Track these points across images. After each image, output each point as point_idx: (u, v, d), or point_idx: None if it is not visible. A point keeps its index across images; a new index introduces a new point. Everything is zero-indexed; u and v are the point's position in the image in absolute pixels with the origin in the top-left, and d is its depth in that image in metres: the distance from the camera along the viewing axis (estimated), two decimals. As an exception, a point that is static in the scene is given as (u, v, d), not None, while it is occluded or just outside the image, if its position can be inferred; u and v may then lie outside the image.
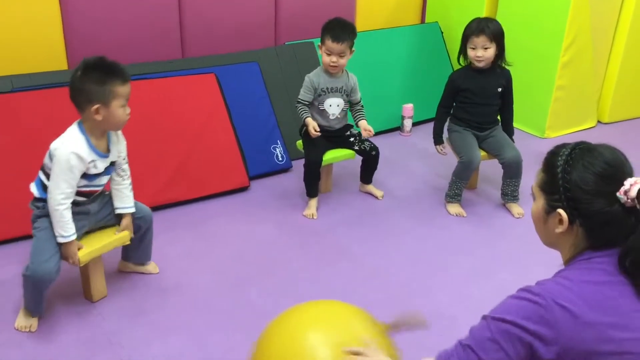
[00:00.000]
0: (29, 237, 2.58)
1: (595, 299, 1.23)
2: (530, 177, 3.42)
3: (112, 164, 2.31)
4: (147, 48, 3.61)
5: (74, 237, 2.18)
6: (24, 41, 3.24)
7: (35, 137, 2.87)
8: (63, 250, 2.19)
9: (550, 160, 1.38)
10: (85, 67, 2.13)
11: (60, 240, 2.16)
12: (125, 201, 2.38)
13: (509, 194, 3.23)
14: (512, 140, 3.27)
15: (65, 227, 2.15)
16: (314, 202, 3.18)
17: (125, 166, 2.38)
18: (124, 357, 2.15)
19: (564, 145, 1.39)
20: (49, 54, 3.32)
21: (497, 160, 3.20)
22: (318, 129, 3.02)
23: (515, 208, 3.23)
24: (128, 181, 2.39)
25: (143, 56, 3.57)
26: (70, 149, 2.12)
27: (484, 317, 1.31)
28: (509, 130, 3.29)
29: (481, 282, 2.65)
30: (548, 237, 1.43)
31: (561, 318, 1.22)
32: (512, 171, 3.17)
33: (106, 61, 2.16)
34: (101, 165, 2.24)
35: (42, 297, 2.22)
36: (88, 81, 2.11)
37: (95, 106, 2.11)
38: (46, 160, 2.19)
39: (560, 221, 1.34)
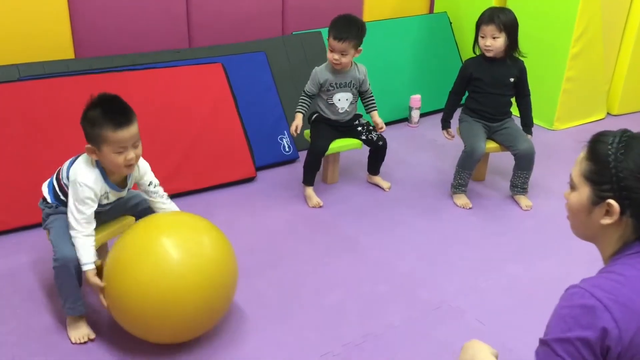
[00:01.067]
0: (37, 225, 2.59)
1: None
2: (540, 169, 3.42)
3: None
4: (154, 37, 3.60)
5: (91, 266, 2.08)
6: (31, 30, 3.24)
7: (42, 126, 2.88)
8: (86, 280, 2.09)
9: (599, 149, 1.31)
10: (90, 103, 2.06)
11: (84, 268, 2.08)
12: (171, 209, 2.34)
13: (519, 185, 3.21)
14: (531, 132, 3.26)
15: (86, 256, 2.07)
16: (310, 190, 3.17)
17: (152, 188, 2.29)
18: (133, 346, 2.15)
19: (608, 133, 1.33)
20: (55, 43, 3.31)
21: (510, 152, 3.18)
22: (299, 132, 3.04)
23: (524, 200, 3.21)
24: (162, 199, 2.32)
25: (150, 46, 3.56)
26: (85, 182, 2.07)
27: (545, 343, 1.24)
28: (527, 121, 3.26)
29: (487, 274, 2.64)
30: (589, 230, 1.37)
31: (621, 317, 1.17)
32: (524, 163, 3.15)
33: (107, 100, 2.06)
34: (113, 197, 2.21)
35: (78, 287, 2.12)
36: (85, 119, 2.05)
37: (88, 146, 2.07)
38: (63, 172, 2.17)
39: (608, 212, 1.29)
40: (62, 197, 2.19)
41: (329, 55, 3.01)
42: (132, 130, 2.06)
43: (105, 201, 2.19)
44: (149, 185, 2.29)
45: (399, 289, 2.53)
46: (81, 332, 2.17)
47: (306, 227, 2.98)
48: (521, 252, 2.82)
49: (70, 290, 2.11)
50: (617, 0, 4.17)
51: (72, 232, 2.09)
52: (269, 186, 3.35)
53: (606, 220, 1.30)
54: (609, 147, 1.29)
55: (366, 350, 2.18)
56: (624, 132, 1.31)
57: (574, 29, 3.96)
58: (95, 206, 2.12)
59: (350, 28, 2.96)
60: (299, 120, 3.06)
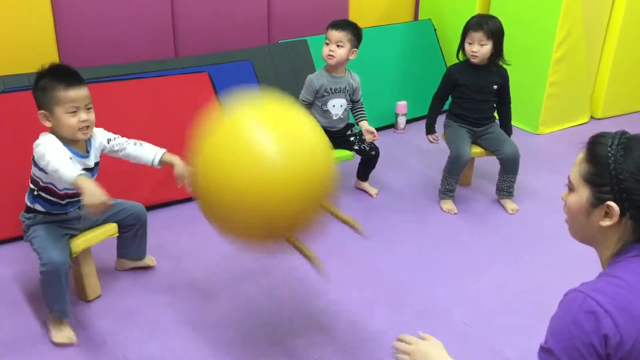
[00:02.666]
0: (18, 238, 2.57)
1: None
2: (525, 172, 3.45)
3: (96, 167, 2.26)
4: (140, 47, 3.60)
5: (80, 172, 1.99)
6: (16, 41, 3.23)
7: (27, 139, 2.85)
8: (85, 197, 1.92)
9: (598, 150, 1.29)
10: (37, 75, 2.09)
11: (72, 179, 1.94)
12: (146, 157, 2.32)
13: (505, 189, 3.24)
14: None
15: (70, 169, 1.98)
16: None
17: (116, 142, 2.28)
18: (119, 357, 2.14)
19: (607, 135, 1.31)
20: (40, 54, 3.30)
21: (495, 156, 3.22)
22: None
23: (510, 204, 3.24)
24: (130, 144, 2.30)
25: (135, 55, 3.56)
26: (47, 139, 2.08)
27: (547, 351, 1.22)
28: (507, 129, 3.30)
29: (475, 277, 2.66)
30: (587, 232, 1.35)
31: (623, 323, 1.16)
32: (509, 167, 3.18)
33: (56, 67, 2.10)
34: (78, 165, 2.16)
35: (65, 292, 2.14)
36: (36, 89, 2.09)
37: (41, 112, 2.09)
38: (33, 170, 2.18)
39: (608, 214, 1.28)
40: (36, 193, 2.19)
41: (324, 49, 3.03)
42: (83, 91, 2.10)
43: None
44: (108, 142, 2.28)
45: (387, 293, 2.54)
46: (65, 334, 2.18)
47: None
48: (508, 255, 2.84)
49: (57, 294, 2.13)
50: (598, 4, 4.23)
51: (52, 166, 1.98)
52: (257, 194, 3.35)
53: (606, 222, 1.28)
54: (609, 148, 1.27)
55: (355, 356, 2.18)
56: (623, 134, 1.30)
57: (557, 34, 4.01)
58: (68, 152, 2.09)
59: (348, 23, 3.03)
60: None
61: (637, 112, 4.83)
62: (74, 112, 2.08)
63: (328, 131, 3.16)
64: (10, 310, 2.35)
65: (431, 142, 3.33)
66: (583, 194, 1.32)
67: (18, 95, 2.92)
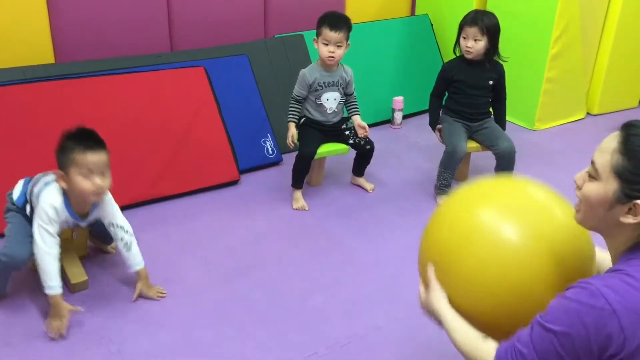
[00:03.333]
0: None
1: None
2: (521, 169, 3.45)
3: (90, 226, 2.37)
4: (135, 41, 3.58)
5: (60, 291, 2.15)
6: (10, 35, 3.20)
7: (21, 132, 2.85)
8: (51, 306, 2.16)
9: (637, 144, 1.19)
10: (66, 134, 2.13)
11: (47, 291, 2.14)
12: (126, 261, 2.37)
13: (501, 186, 3.24)
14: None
15: (52, 277, 2.14)
16: (299, 194, 3.18)
17: (115, 230, 2.32)
18: (113, 352, 2.14)
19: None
20: (35, 47, 3.28)
21: (491, 152, 3.21)
22: (295, 141, 3.03)
23: (506, 200, 3.23)
24: (121, 243, 2.33)
25: (131, 49, 3.54)
26: (49, 201, 2.15)
27: (544, 327, 1.19)
28: (501, 124, 3.29)
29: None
30: (602, 224, 1.28)
31: (629, 324, 1.13)
32: (505, 162, 3.17)
33: (82, 130, 2.13)
34: (72, 224, 2.28)
35: (7, 279, 2.30)
36: (59, 148, 2.13)
37: (58, 172, 2.14)
38: (34, 190, 2.22)
39: (631, 210, 1.21)
40: (28, 212, 2.25)
41: (324, 50, 3.00)
42: (102, 156, 2.12)
43: (65, 226, 2.26)
44: (110, 224, 2.32)
45: (383, 289, 2.53)
46: None
47: (290, 229, 2.98)
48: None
49: (2, 279, 2.29)
50: (595, 0, 4.22)
51: (39, 252, 2.13)
52: (253, 189, 3.34)
53: (628, 220, 1.22)
54: None
55: (351, 352, 2.18)
56: None
57: (553, 29, 4.00)
58: (59, 227, 2.19)
59: (342, 19, 3.00)
60: (292, 129, 3.06)
61: (633, 108, 4.83)
62: (88, 175, 2.11)
63: (323, 125, 3.16)
64: (4, 304, 2.34)
65: (439, 138, 3.31)
66: (610, 186, 1.23)
67: (12, 88, 2.90)
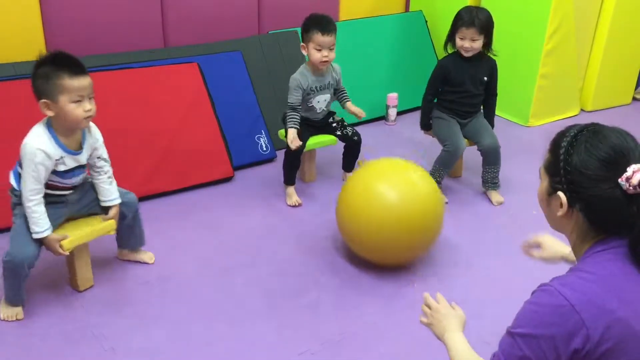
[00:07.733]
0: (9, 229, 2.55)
1: (622, 290, 1.19)
2: (515, 165, 3.46)
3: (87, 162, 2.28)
4: (129, 37, 3.56)
5: (48, 232, 2.15)
6: (2, 30, 3.18)
7: (13, 128, 2.82)
8: (45, 245, 2.17)
9: (556, 141, 1.32)
10: (37, 63, 2.06)
11: (35, 235, 2.13)
12: (106, 194, 2.34)
13: (489, 181, 3.24)
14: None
15: (38, 223, 2.13)
16: (292, 189, 3.17)
17: (101, 162, 2.31)
18: (106, 349, 2.13)
19: (573, 127, 1.33)
20: (27, 43, 3.26)
21: (476, 147, 3.22)
22: (298, 143, 2.98)
23: (495, 196, 3.24)
24: (105, 176, 2.33)
25: (124, 46, 3.52)
26: (36, 145, 2.07)
27: (510, 334, 1.25)
28: (490, 120, 3.29)
29: (463, 270, 2.66)
30: (551, 220, 1.39)
31: (590, 317, 1.16)
32: (490, 158, 3.18)
33: (58, 54, 2.08)
34: (71, 162, 2.19)
35: (20, 285, 2.19)
36: (37, 76, 2.06)
37: (42, 101, 2.06)
38: (20, 153, 2.16)
39: (561, 204, 1.29)
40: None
41: (317, 55, 2.96)
42: (88, 80, 2.09)
43: (63, 167, 2.17)
44: (97, 156, 2.28)
45: (376, 285, 2.54)
46: (12, 311, 2.23)
47: (284, 225, 2.97)
48: (496, 247, 2.84)
49: (13, 288, 2.19)
50: (588, -3, 4.24)
51: (27, 203, 2.10)
52: (247, 186, 3.34)
53: (559, 212, 1.31)
54: (564, 139, 1.30)
55: (345, 347, 2.18)
56: (587, 126, 1.30)
57: (547, 26, 4.01)
58: (46, 172, 2.11)
59: (329, 20, 2.98)
60: (293, 135, 2.98)
61: (626, 104, 4.85)
62: (79, 101, 2.07)
63: (310, 120, 3.15)
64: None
65: (431, 136, 3.33)
66: (544, 182, 1.36)
67: (3, 84, 2.89)
